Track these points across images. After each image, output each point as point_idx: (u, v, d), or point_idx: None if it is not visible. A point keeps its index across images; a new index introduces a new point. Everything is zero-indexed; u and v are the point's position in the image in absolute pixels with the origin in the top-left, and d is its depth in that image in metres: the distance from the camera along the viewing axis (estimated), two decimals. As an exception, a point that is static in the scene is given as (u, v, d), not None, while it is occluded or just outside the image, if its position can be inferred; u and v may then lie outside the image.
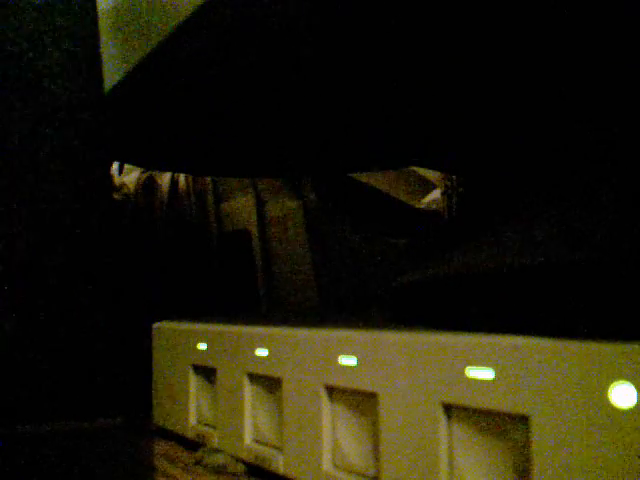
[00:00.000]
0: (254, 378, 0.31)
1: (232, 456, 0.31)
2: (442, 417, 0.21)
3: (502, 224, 0.27)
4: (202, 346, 0.35)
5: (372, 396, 0.24)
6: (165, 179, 0.65)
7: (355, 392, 0.25)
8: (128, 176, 0.65)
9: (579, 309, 0.18)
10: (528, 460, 0.18)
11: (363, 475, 0.24)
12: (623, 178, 0.24)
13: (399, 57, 0.32)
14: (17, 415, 0.24)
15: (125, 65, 0.34)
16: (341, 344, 0.25)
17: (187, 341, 0.37)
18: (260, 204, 0.62)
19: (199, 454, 0.32)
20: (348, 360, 0.24)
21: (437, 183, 0.64)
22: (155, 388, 0.40)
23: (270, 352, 0.29)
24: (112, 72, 0.35)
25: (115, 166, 0.65)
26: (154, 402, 0.40)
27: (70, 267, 0.25)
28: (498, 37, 0.29)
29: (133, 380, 0.28)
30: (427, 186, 0.67)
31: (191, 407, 0.36)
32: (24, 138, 0.25)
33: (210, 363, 0.34)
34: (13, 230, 0.24)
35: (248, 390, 0.31)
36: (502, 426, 0.19)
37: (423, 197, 0.67)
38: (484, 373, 0.19)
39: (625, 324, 0.17)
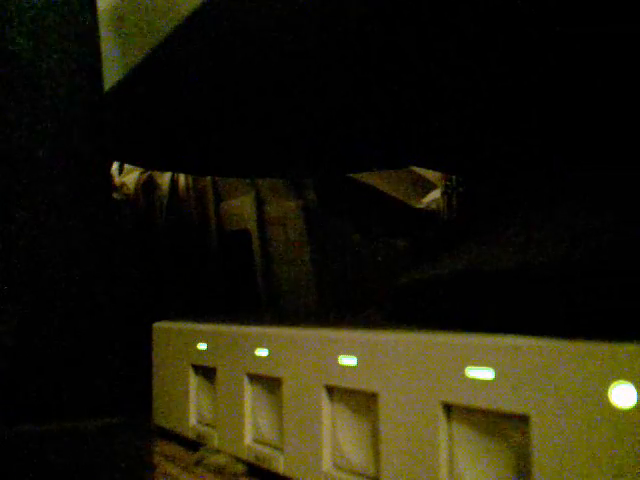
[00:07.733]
0: (254, 378, 0.31)
1: (232, 456, 0.31)
2: (442, 417, 0.21)
3: (502, 224, 0.27)
4: (202, 346, 0.35)
5: (372, 396, 0.23)
6: (165, 179, 0.65)
7: (355, 392, 0.25)
8: (128, 176, 0.65)
9: (579, 309, 0.18)
10: (528, 460, 0.18)
11: (363, 475, 0.24)
12: (621, 179, 0.24)
13: (401, 57, 0.32)
14: (16, 414, 0.24)
15: (125, 65, 0.34)
16: (341, 344, 0.25)
17: (187, 341, 0.37)
18: (260, 204, 0.62)
19: (199, 454, 0.32)
20: (348, 360, 0.24)
21: (437, 183, 0.64)
22: (155, 388, 0.40)
23: (270, 352, 0.29)
24: (112, 72, 0.35)
25: (115, 166, 0.65)
26: (154, 402, 0.40)
27: (69, 267, 0.25)
28: (501, 40, 0.29)
29: (133, 380, 0.28)
30: (427, 186, 0.67)
31: (191, 407, 0.36)
32: (23, 138, 0.25)
33: (210, 363, 0.34)
34: (13, 230, 0.24)
35: (248, 390, 0.31)
36: (502, 426, 0.19)
37: (423, 197, 0.67)
38: (484, 373, 0.19)
39: (625, 324, 0.17)
